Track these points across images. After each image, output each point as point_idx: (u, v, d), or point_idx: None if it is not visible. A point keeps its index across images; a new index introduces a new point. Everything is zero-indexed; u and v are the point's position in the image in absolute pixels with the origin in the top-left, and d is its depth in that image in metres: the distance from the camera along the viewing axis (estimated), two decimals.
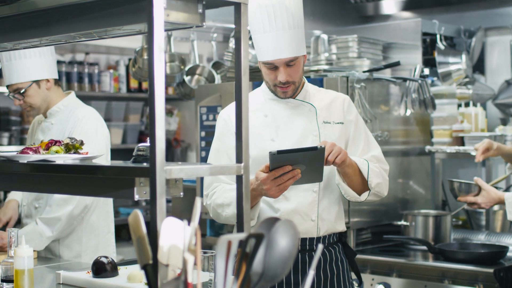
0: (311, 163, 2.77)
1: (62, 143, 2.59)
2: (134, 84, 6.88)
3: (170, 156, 7.25)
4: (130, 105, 7.02)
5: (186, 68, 5.21)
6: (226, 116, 3.18)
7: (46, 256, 3.75)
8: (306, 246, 3.05)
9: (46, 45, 2.73)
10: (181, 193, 2.34)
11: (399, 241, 4.37)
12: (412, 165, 4.76)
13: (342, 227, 3.19)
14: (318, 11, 5.91)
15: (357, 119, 3.18)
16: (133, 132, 7.00)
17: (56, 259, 3.68)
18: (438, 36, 5.00)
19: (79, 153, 2.57)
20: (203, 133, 4.84)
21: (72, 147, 2.60)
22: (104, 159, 3.58)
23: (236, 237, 1.71)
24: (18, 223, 3.96)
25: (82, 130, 3.72)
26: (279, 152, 2.69)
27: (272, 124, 3.12)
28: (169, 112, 7.23)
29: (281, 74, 2.98)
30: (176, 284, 1.76)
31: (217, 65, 5.27)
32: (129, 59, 6.35)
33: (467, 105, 4.85)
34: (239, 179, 2.25)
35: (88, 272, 2.99)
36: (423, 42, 5.06)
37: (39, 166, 2.35)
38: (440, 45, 4.98)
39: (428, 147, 4.74)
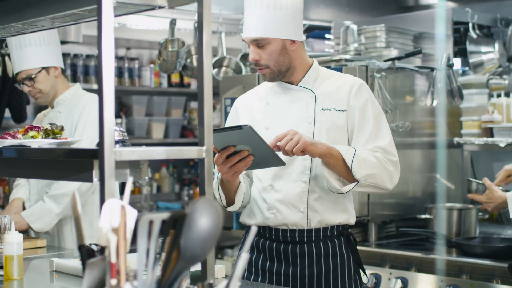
0: (253, 144, 2.70)
1: (41, 128, 2.60)
2: (175, 78, 6.90)
3: None
4: (172, 99, 7.04)
5: (213, 60, 5.18)
6: (236, 103, 3.20)
7: (54, 245, 3.80)
8: (295, 238, 2.95)
9: (31, 32, 2.74)
10: (146, 178, 2.31)
11: (417, 234, 4.24)
12: (440, 158, 4.61)
13: (343, 219, 2.97)
14: (354, 2, 5.81)
15: (365, 107, 2.95)
16: (175, 126, 7.01)
17: (63, 248, 3.71)
18: (470, 25, 4.83)
19: (57, 138, 2.58)
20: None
21: (51, 132, 2.60)
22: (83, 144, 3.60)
23: (158, 216, 1.67)
24: None
25: (89, 116, 3.80)
26: (214, 130, 2.65)
27: (271, 112, 3.06)
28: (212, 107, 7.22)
29: (250, 53, 2.94)
30: (103, 265, 1.72)
31: (245, 57, 5.23)
32: None
33: (499, 95, 4.67)
34: (201, 162, 2.20)
35: (80, 259, 2.99)
36: (457, 32, 4.91)
37: (5, 150, 2.35)
38: (473, 34, 4.81)
39: (456, 139, 4.59)
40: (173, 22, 5.08)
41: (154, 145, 6.46)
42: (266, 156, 2.78)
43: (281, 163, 2.81)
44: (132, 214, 1.81)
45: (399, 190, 4.32)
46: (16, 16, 2.43)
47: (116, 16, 2.28)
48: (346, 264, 2.98)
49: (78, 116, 3.81)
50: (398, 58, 4.29)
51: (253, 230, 1.73)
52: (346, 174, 2.84)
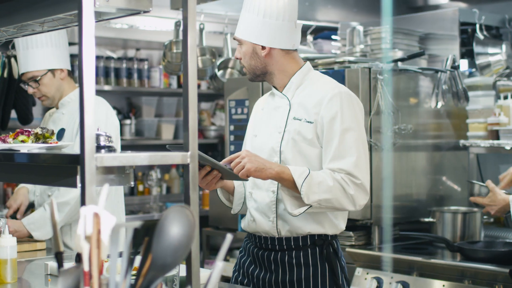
0: (208, 162, 2.75)
1: (32, 132, 2.60)
2: None
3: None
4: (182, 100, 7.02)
5: (218, 62, 5.17)
6: (255, 105, 3.23)
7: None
8: (268, 245, 2.98)
9: (23, 35, 2.74)
10: (132, 183, 2.30)
11: (419, 238, 4.20)
12: (446, 160, 4.57)
13: (313, 229, 2.92)
14: (362, 2, 5.76)
15: (333, 120, 2.83)
16: None
17: (67, 251, 3.71)
18: (477, 26, 4.77)
19: (47, 142, 2.57)
20: (232, 127, 4.79)
21: (41, 136, 2.60)
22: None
23: (130, 224, 1.65)
24: (31, 208, 4.01)
25: None
26: (170, 146, 2.71)
27: (261, 118, 3.10)
28: (221, 108, 7.22)
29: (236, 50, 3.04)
30: (77, 273, 1.71)
31: None
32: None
33: (506, 97, 4.61)
34: (186, 168, 2.19)
35: (74, 263, 2.99)
36: (464, 32, 4.86)
37: None
38: (480, 35, 4.75)
39: (462, 141, 4.54)
40: (178, 24, 5.07)
41: (164, 146, 6.45)
42: (225, 171, 2.81)
43: (241, 178, 2.80)
44: (110, 221, 1.80)
45: (402, 192, 4.29)
46: (5, 21, 2.43)
47: (99, 21, 2.28)
48: (320, 275, 2.94)
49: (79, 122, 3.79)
50: (401, 60, 4.25)
51: (228, 238, 1.71)
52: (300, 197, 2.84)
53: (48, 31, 2.60)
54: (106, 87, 6.39)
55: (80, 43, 1.96)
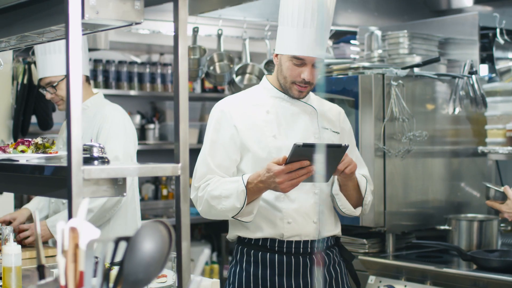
0: (329, 161, 2.73)
1: (32, 142, 2.61)
2: (208, 84, 6.90)
3: None
4: (206, 105, 7.05)
5: (236, 68, 5.16)
6: (224, 108, 3.13)
7: None
8: (308, 248, 3.00)
9: (26, 45, 2.76)
10: (124, 194, 2.30)
11: (433, 247, 4.14)
12: (464, 167, 4.50)
13: (338, 231, 3.17)
14: (383, 6, 5.71)
15: (350, 132, 3.24)
16: None
17: None
18: (498, 30, 4.69)
19: (47, 152, 2.59)
20: None
21: (41, 146, 2.62)
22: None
23: (106, 239, 1.65)
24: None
25: (111, 127, 3.75)
26: (305, 145, 2.64)
27: (274, 121, 3.07)
28: None
29: (307, 73, 2.94)
30: (54, 287, 1.72)
31: (269, 64, 5.19)
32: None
33: None
34: (176, 179, 2.18)
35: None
36: (485, 37, 4.78)
37: None
38: (500, 39, 4.68)
39: (481, 148, 4.47)
40: (195, 30, 5.08)
41: (189, 150, 6.46)
42: (323, 172, 2.82)
43: (326, 179, 2.88)
44: (92, 234, 1.80)
45: (417, 199, 4.24)
46: (3, 32, 2.46)
47: (90, 32, 2.29)
48: (340, 273, 3.14)
49: (97, 129, 3.76)
50: (416, 66, 4.19)
51: (205, 254, 1.70)
52: (355, 198, 3.06)
53: (49, 41, 2.61)
54: (132, 92, 6.42)
55: (67, 54, 1.97)
